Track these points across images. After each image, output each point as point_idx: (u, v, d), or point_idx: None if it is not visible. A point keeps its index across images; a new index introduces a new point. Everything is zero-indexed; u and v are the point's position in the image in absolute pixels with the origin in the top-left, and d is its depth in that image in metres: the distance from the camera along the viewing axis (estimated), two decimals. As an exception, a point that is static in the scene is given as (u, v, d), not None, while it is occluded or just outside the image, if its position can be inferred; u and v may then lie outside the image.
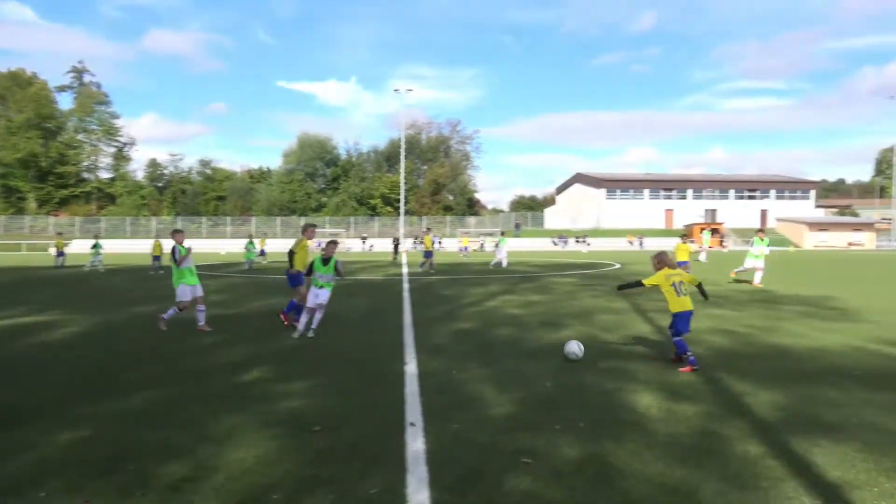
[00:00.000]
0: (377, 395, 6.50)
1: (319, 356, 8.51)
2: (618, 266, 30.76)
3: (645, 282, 8.03)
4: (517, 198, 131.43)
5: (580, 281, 21.61)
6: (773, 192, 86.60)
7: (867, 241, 72.75)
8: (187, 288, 10.75)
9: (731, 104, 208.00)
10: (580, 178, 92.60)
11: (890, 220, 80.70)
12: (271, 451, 4.84)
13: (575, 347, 8.19)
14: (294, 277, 11.07)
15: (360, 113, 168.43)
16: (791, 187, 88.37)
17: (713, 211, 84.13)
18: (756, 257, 18.81)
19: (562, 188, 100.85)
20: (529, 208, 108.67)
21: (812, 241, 72.40)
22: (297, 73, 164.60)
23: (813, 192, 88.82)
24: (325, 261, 10.08)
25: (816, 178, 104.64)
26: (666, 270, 8.00)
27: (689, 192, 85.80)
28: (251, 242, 32.79)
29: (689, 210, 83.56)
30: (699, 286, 8.37)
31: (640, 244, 68.03)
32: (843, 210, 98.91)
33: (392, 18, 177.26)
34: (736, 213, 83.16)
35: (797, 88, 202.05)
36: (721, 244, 68.23)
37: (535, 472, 4.42)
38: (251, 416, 5.73)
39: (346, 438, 5.12)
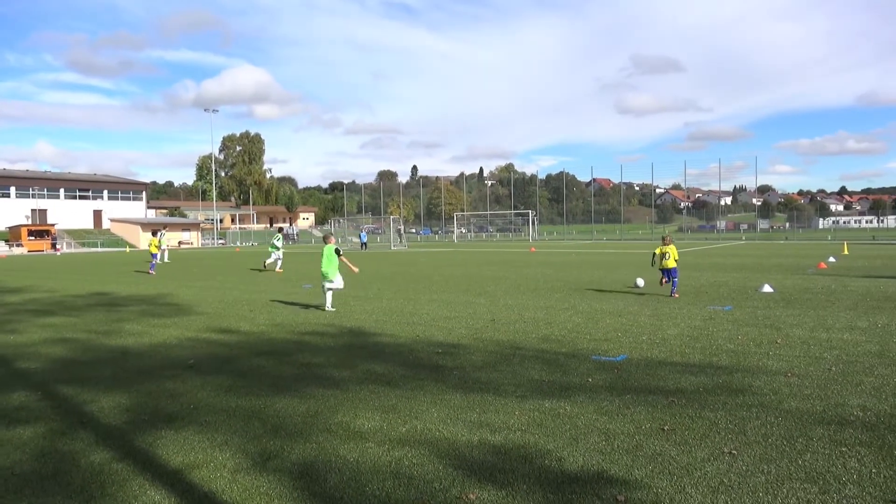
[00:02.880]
0: None
1: None
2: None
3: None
4: None
5: None
6: (106, 193, 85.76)
7: (195, 239, 79.84)
8: None
9: (56, 97, 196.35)
10: None
11: (212, 220, 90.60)
12: None
13: (640, 282, 16.01)
14: None
15: None
16: (124, 188, 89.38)
17: (43, 211, 77.76)
18: (276, 249, 24.86)
19: None
20: None
21: (147, 241, 74.99)
22: None
23: (144, 193, 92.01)
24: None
25: (147, 180, 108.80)
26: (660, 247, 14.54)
27: (13, 190, 77.01)
28: None
29: (15, 209, 74.98)
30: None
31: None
32: (173, 211, 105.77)
33: None
34: (69, 213, 78.93)
35: (125, 90, 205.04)
36: (53, 247, 63.70)
37: None
38: None
39: None
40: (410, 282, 19.30)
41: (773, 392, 6.12)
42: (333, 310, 12.64)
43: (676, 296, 13.90)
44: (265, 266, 25.51)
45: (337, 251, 12.90)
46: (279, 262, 25.16)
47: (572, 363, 7.59)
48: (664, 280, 14.48)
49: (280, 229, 28.24)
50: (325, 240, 13.58)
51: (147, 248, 28.29)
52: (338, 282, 12.88)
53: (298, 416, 5.62)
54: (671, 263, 14.25)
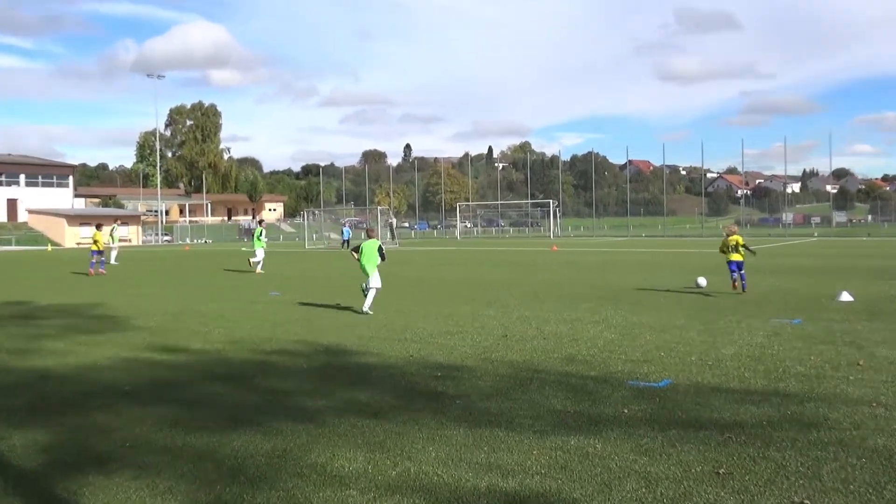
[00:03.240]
0: None
1: None
2: None
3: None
4: None
5: None
6: (23, 177, 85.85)
7: (134, 235, 79.62)
8: None
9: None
10: None
11: (156, 211, 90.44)
12: None
13: (702, 281, 17.04)
14: None
15: None
16: (45, 171, 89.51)
17: (-55, 200, 77.86)
18: (261, 246, 26.49)
19: None
20: None
21: (74, 237, 74.75)
22: None
23: (71, 179, 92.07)
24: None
25: (75, 162, 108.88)
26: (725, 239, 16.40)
27: None
28: None
29: None
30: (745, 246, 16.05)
31: None
32: (108, 200, 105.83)
33: None
34: (-23, 203, 78.98)
35: (49, 51, 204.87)
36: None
37: None
38: None
39: None
40: (403, 288, 19.27)
41: (855, 426, 6.09)
42: (371, 313, 13.76)
43: (739, 284, 15.91)
44: (250, 264, 26.23)
45: (380, 249, 14.18)
46: (261, 262, 26.01)
47: (604, 390, 7.56)
48: (735, 281, 16.00)
49: (260, 221, 29.25)
50: (369, 234, 15.31)
51: (91, 244, 27.36)
52: (376, 280, 14.05)
53: (262, 457, 5.59)
54: (735, 256, 15.84)
